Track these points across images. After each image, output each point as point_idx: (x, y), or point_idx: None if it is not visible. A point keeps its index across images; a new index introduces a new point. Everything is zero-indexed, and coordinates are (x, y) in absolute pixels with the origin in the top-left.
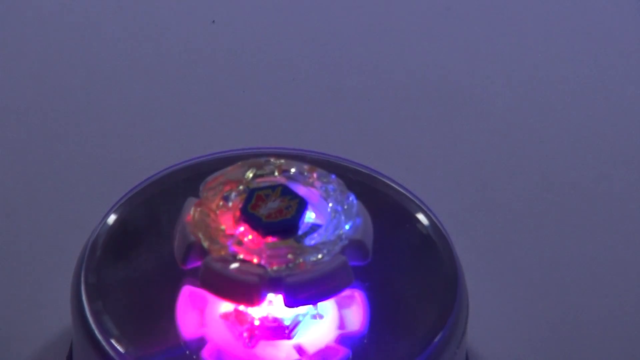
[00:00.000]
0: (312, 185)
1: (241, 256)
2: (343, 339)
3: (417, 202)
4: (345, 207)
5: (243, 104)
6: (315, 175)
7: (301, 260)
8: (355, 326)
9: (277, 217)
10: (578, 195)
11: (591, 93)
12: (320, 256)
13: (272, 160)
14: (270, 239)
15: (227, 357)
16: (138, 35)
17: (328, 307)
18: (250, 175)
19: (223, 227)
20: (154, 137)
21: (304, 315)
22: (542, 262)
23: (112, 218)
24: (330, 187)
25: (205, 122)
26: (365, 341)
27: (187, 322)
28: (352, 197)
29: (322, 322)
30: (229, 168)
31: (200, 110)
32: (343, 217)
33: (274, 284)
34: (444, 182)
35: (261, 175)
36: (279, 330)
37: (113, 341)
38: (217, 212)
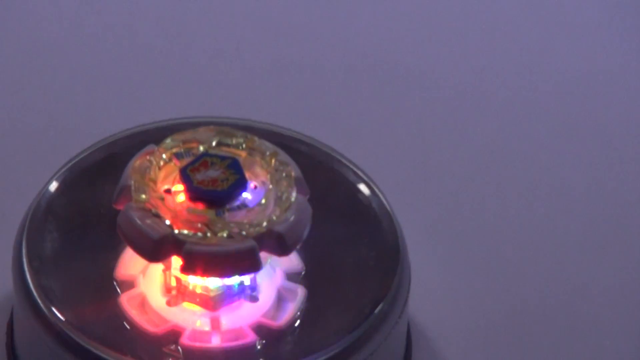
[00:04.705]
0: (266, 168)
1: (157, 212)
2: (259, 327)
3: (359, 173)
4: (283, 197)
5: (189, 73)
6: (274, 160)
7: (210, 233)
8: (281, 319)
9: (208, 186)
10: (520, 164)
11: (533, 59)
12: (230, 235)
13: (242, 133)
14: (198, 205)
15: (145, 306)
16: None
17: (267, 293)
18: (215, 141)
19: (155, 179)
20: (98, 104)
21: (240, 293)
22: (484, 233)
23: (54, 185)
24: (280, 174)
25: (151, 91)
26: (281, 334)
27: (126, 270)
28: (294, 193)
29: (253, 306)
30: (201, 128)
31: (147, 78)
32: (273, 207)
33: (177, 247)
34: (386, 153)
35: (227, 145)
36: (208, 300)
37: (55, 312)
38: (161, 164)
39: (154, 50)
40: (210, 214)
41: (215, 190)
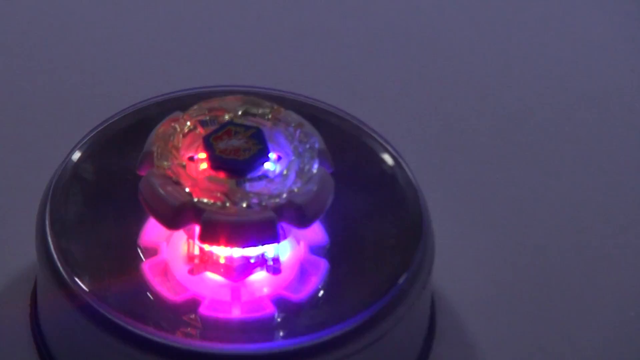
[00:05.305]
0: (290, 140)
1: (178, 179)
2: (279, 300)
3: (382, 142)
4: (305, 169)
5: (208, 41)
6: (298, 132)
7: (229, 203)
8: (302, 292)
9: (229, 155)
10: (545, 134)
11: (556, 28)
12: (249, 205)
13: (268, 104)
14: (219, 174)
15: (167, 274)
16: None
17: (289, 266)
18: (241, 110)
19: (178, 146)
20: (121, 73)
21: (262, 265)
22: (508, 204)
23: (80, 150)
24: (303, 146)
25: (185, 59)
26: (301, 308)
27: (150, 237)
28: (316, 164)
29: (275, 278)
30: (228, 97)
31: (171, 46)
32: (294, 178)
33: (197, 215)
34: (409, 122)
35: (253, 114)
36: (231, 270)
37: (77, 280)
38: (186, 131)
39: (189, 17)
40: (231, 183)
41: (236, 159)
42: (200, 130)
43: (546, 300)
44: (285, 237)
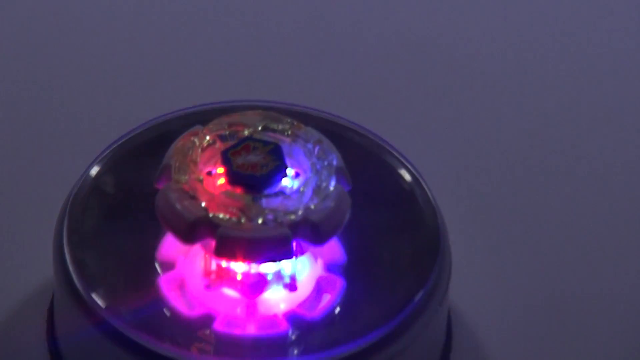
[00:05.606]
0: (308, 156)
1: (194, 194)
2: (294, 317)
3: (399, 157)
4: (322, 186)
5: (230, 56)
6: (317, 148)
7: (244, 218)
8: (317, 310)
9: (247, 170)
10: (567, 154)
11: (575, 46)
12: (264, 220)
13: (289, 120)
14: (236, 189)
15: (183, 289)
16: None
17: (306, 283)
18: (261, 126)
19: (196, 160)
20: (142, 87)
21: (279, 282)
22: (526, 221)
23: (95, 169)
24: (321, 163)
25: (196, 74)
26: (315, 326)
27: (168, 251)
28: (333, 182)
29: (291, 295)
30: (248, 112)
31: (193, 61)
32: (311, 195)
33: (212, 230)
34: (428, 140)
35: (272, 130)
36: (247, 286)
37: (94, 295)
38: (205, 145)
39: (211, 32)
40: (247, 199)
41: (253, 175)
42: (219, 144)
43: (564, 317)
44: (301, 254)
